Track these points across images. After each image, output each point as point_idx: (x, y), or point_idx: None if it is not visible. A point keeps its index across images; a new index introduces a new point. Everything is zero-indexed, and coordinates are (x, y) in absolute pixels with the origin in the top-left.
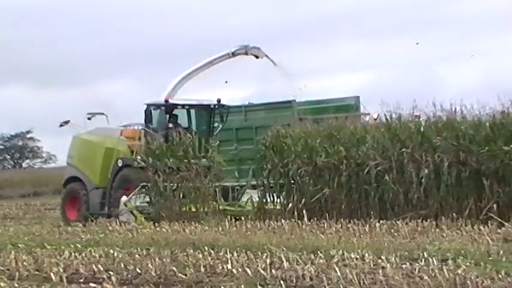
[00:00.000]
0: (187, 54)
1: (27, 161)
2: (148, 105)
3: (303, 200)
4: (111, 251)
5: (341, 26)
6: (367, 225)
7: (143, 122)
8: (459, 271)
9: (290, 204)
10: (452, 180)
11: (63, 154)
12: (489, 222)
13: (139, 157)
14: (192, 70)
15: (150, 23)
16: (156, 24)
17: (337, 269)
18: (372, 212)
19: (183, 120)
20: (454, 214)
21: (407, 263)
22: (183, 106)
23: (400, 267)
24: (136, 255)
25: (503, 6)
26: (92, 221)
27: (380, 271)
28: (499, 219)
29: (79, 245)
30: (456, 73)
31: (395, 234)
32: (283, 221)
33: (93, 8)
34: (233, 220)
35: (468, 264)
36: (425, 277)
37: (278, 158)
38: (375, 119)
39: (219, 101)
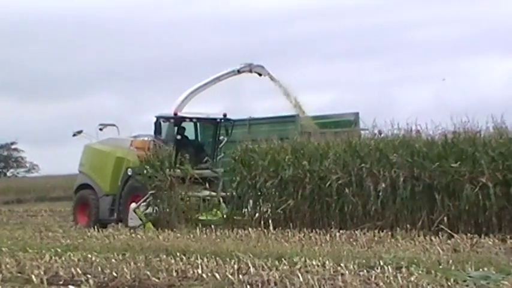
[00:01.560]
0: (162, 72)
1: (12, 170)
2: (158, 117)
3: (269, 211)
4: (89, 256)
5: (305, 50)
6: (328, 235)
7: (153, 133)
8: (412, 278)
9: (257, 214)
10: (407, 194)
11: (45, 164)
12: (440, 233)
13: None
14: (199, 85)
15: (128, 42)
16: (132, 44)
17: (299, 275)
18: (332, 222)
19: (190, 132)
20: (408, 225)
21: (365, 270)
22: (191, 119)
23: (358, 274)
24: (113, 260)
25: (453, 34)
26: (104, 227)
27: (339, 277)
28: (449, 231)
29: (59, 249)
30: (410, 95)
31: (354, 243)
32: (250, 229)
33: (72, 27)
34: (204, 228)
35: (420, 272)
36: (381, 284)
37: (246, 171)
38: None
39: (225, 115)
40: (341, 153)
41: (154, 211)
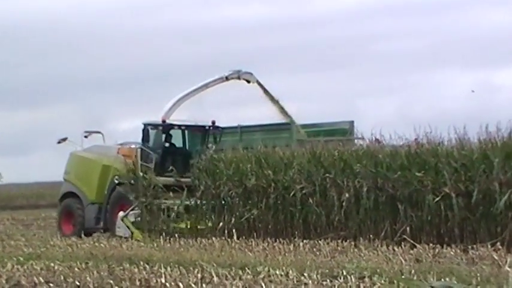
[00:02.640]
0: (128, 81)
1: None
2: (146, 124)
3: (233, 220)
4: (52, 264)
5: (273, 62)
6: (292, 244)
7: (140, 140)
8: None
9: (221, 224)
10: (370, 204)
11: (8, 173)
12: (402, 243)
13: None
14: (187, 92)
15: (97, 51)
16: (101, 53)
17: (263, 284)
18: (296, 232)
19: (178, 140)
20: (371, 235)
21: (328, 280)
22: (179, 127)
23: (321, 284)
24: (76, 269)
25: (418, 47)
26: (90, 235)
27: (303, 287)
28: (412, 241)
29: (21, 258)
30: (375, 105)
31: (317, 253)
32: (214, 239)
33: (40, 35)
34: (167, 237)
35: (383, 282)
36: None
37: (211, 180)
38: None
39: (213, 122)
40: (305, 163)
41: (138, 219)
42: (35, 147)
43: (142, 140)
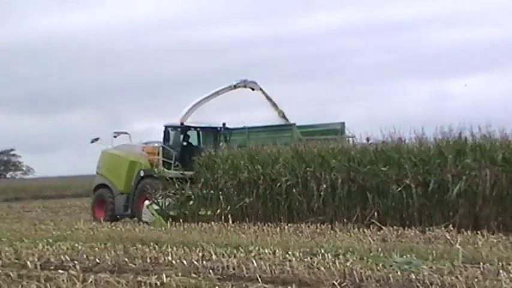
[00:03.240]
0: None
1: (10, 172)
2: (167, 126)
3: (229, 207)
4: (76, 245)
5: (258, 73)
6: (278, 228)
7: (161, 140)
8: (348, 264)
9: (218, 211)
10: (344, 193)
11: (39, 167)
12: (371, 226)
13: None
14: (201, 99)
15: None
16: (115, 66)
17: (254, 261)
18: (282, 217)
19: (193, 139)
20: (345, 220)
21: (309, 257)
22: (195, 128)
23: (303, 260)
24: (96, 248)
25: (383, 61)
26: (118, 220)
27: (287, 263)
28: (379, 224)
29: (50, 240)
30: (347, 110)
31: (300, 234)
32: (212, 223)
33: (63, 53)
34: (174, 222)
35: (355, 258)
36: (322, 268)
37: (209, 174)
38: (369, 142)
39: (224, 124)
40: (289, 159)
41: (163, 207)
42: (61, 146)
43: (164, 139)
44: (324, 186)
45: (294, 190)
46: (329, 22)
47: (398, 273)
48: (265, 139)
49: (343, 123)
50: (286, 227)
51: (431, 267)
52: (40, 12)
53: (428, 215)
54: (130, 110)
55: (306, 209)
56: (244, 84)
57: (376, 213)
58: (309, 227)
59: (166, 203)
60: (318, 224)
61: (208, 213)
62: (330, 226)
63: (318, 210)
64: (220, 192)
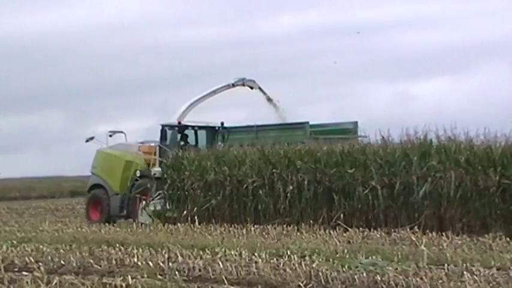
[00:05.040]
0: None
1: None
2: (164, 125)
3: (195, 209)
4: (41, 246)
5: (226, 74)
6: (245, 229)
7: (158, 139)
8: (314, 265)
9: (185, 212)
10: (310, 194)
11: (3, 169)
12: (337, 228)
13: (154, 169)
14: (198, 97)
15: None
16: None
17: (220, 263)
18: (248, 219)
19: (191, 139)
20: (311, 221)
21: (275, 259)
22: (192, 127)
23: (269, 261)
24: (61, 250)
25: (350, 63)
26: (114, 222)
27: (254, 265)
28: (345, 226)
29: (15, 241)
30: (311, 112)
31: (266, 236)
32: (179, 224)
33: (28, 53)
34: (140, 223)
35: (321, 260)
36: (288, 270)
37: (176, 175)
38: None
39: (222, 123)
40: (256, 160)
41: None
42: (25, 147)
43: (160, 138)
44: (291, 187)
45: (260, 191)
46: (292, 24)
47: (364, 274)
48: (275, 138)
49: (355, 123)
50: (252, 228)
51: (396, 269)
52: (1, 12)
53: (393, 216)
54: (94, 111)
55: (272, 210)
56: (243, 82)
57: (342, 215)
58: (275, 228)
59: (163, 204)
60: (284, 226)
61: (175, 214)
62: (296, 227)
63: (285, 212)
64: (187, 193)
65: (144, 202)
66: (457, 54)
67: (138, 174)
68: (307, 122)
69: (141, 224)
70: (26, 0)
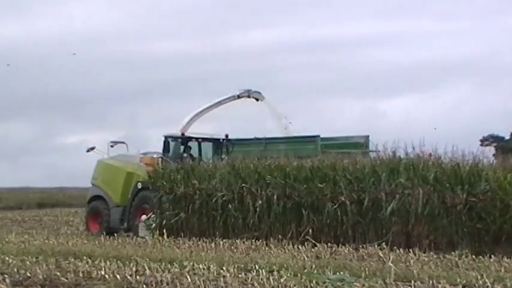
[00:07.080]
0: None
1: None
2: (167, 137)
3: (164, 222)
4: (7, 258)
5: (195, 88)
6: (213, 243)
7: (161, 150)
8: (282, 280)
9: (153, 224)
10: (280, 209)
11: None
12: (306, 243)
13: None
14: (203, 108)
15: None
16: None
17: (188, 276)
18: (217, 232)
19: (194, 151)
20: (280, 236)
21: (243, 273)
22: (196, 139)
23: (237, 276)
24: (27, 262)
25: (317, 78)
26: (112, 235)
27: (222, 279)
28: (313, 241)
29: None
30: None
31: (235, 250)
32: (147, 237)
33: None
34: (107, 236)
35: (289, 275)
36: (256, 284)
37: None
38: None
39: (226, 136)
40: (226, 174)
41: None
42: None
43: (163, 150)
44: (260, 202)
45: (229, 205)
46: (262, 39)
47: None
48: (285, 151)
49: (367, 137)
50: (221, 242)
51: (363, 285)
52: None
53: (362, 232)
54: (62, 122)
55: (241, 224)
56: (248, 94)
57: (310, 230)
58: (244, 242)
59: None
60: (253, 240)
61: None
62: (265, 242)
63: (253, 226)
64: (156, 206)
65: (144, 216)
66: (424, 72)
67: (139, 187)
68: (318, 136)
69: (141, 237)
70: None
